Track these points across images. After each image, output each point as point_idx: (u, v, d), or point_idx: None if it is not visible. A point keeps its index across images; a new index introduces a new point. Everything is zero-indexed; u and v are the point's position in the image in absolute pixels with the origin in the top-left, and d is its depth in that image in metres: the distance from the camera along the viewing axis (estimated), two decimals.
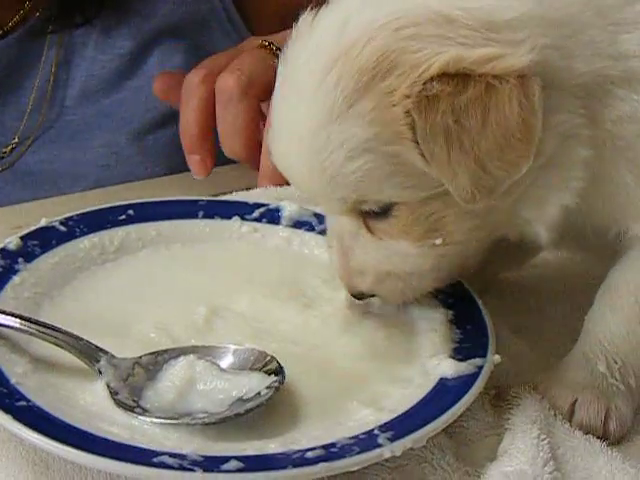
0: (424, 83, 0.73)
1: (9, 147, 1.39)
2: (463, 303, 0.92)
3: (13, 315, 0.81)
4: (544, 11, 0.77)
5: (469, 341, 0.87)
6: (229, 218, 1.04)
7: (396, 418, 0.77)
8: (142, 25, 1.40)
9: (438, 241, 0.82)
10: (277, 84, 0.84)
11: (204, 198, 1.07)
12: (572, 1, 0.78)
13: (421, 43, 0.74)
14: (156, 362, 0.81)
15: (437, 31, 0.75)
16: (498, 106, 0.73)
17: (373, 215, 0.82)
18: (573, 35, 0.77)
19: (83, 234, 0.98)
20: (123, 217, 1.01)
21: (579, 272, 1.05)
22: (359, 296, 0.88)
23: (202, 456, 0.70)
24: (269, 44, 1.28)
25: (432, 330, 0.89)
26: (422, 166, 0.76)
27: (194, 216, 1.04)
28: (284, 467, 0.69)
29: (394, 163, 0.77)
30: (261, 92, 1.20)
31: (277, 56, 1.24)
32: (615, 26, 0.79)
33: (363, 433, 0.74)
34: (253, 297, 0.92)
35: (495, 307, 0.95)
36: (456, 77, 0.73)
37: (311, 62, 0.79)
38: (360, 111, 0.75)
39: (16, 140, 1.38)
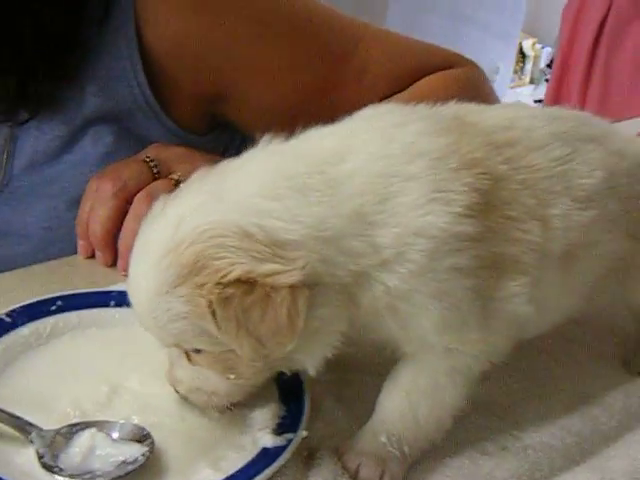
0: (223, 287, 0.91)
1: None
2: (293, 383, 1.08)
3: None
4: (316, 233, 0.94)
5: (289, 418, 1.05)
6: None
7: (226, 478, 0.97)
8: (75, 115, 1.56)
9: (232, 376, 1.02)
10: (137, 239, 1.00)
11: (116, 289, 1.29)
12: (338, 221, 0.95)
13: (224, 252, 0.91)
14: (70, 432, 1.01)
15: (237, 243, 0.92)
16: (273, 309, 0.92)
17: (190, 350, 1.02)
18: (338, 249, 0.95)
19: (23, 323, 1.16)
20: (54, 307, 1.20)
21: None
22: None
23: None
24: (150, 160, 1.54)
25: (265, 406, 1.07)
26: (219, 336, 0.95)
27: (107, 305, 1.22)
28: None
29: (201, 329, 0.96)
30: (130, 197, 1.43)
31: (152, 171, 1.51)
32: (372, 229, 0.96)
33: None
34: (143, 376, 1.10)
35: (324, 380, 1.10)
36: (246, 284, 0.91)
37: (156, 243, 0.96)
38: (180, 293, 0.94)
39: None
